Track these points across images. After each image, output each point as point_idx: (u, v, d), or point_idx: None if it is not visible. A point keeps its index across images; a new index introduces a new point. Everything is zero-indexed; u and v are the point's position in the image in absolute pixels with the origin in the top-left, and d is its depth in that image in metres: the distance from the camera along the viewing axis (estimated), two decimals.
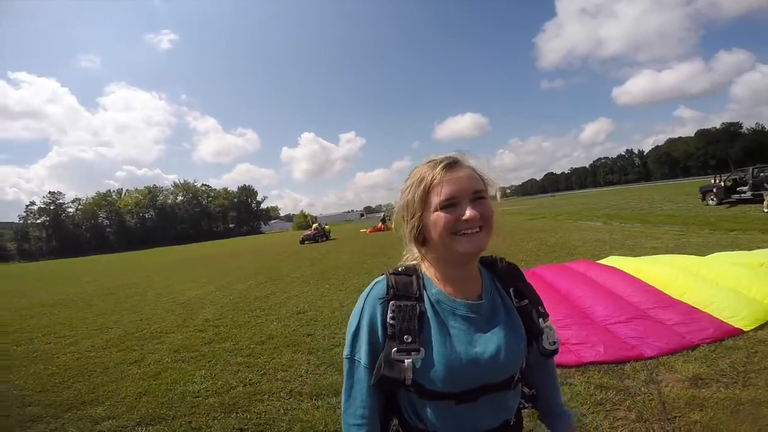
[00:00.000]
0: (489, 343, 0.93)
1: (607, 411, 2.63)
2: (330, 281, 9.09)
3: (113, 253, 65.44)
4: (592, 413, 2.62)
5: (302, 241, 25.28)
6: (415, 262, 1.03)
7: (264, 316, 6.28)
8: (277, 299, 7.62)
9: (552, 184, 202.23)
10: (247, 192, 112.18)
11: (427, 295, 0.96)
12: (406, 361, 0.87)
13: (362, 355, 0.93)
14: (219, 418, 3.11)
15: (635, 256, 6.64)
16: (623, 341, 3.41)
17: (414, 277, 0.98)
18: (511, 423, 0.98)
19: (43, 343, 5.92)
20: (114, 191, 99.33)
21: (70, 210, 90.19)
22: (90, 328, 6.66)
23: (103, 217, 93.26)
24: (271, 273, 11.87)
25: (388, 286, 0.95)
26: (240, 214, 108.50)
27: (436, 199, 0.91)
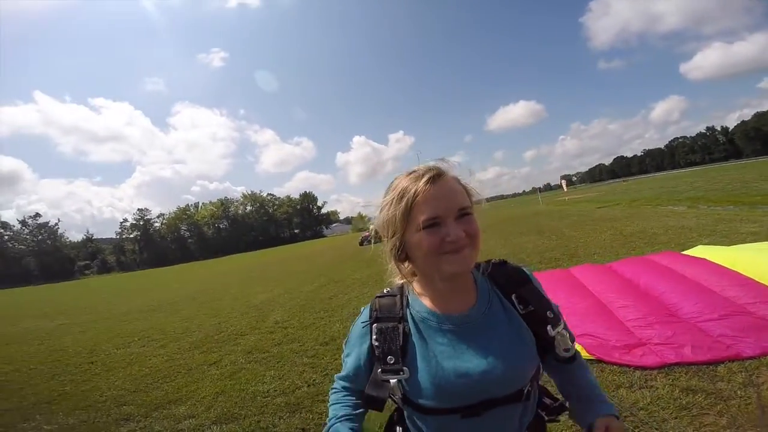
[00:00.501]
0: (481, 356, 0.88)
1: (693, 416, 2.36)
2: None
3: (194, 261, 71.51)
4: (675, 418, 2.37)
5: (361, 243, 25.62)
6: (402, 280, 1.01)
7: (327, 318, 6.48)
8: (339, 301, 7.82)
9: (623, 168, 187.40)
10: (308, 198, 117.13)
11: (411, 313, 0.95)
12: (391, 381, 0.88)
13: (351, 356, 1.00)
14: (284, 417, 3.26)
15: (729, 244, 5.89)
16: (716, 340, 3.02)
17: (398, 297, 0.97)
18: None
19: (139, 346, 6.60)
20: (191, 205, 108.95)
21: (156, 224, 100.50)
22: (177, 331, 7.32)
23: (184, 229, 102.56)
24: (333, 275, 12.23)
25: (371, 309, 0.97)
26: (303, 219, 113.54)
27: (419, 218, 0.85)
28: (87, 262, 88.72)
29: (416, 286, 0.98)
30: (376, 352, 0.92)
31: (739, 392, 2.50)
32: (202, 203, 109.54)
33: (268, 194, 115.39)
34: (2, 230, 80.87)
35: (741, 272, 3.99)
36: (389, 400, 0.93)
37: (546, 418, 0.98)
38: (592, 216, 15.86)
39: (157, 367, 5.21)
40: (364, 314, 0.99)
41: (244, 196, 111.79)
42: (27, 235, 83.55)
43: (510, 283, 0.96)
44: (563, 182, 43.33)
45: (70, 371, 5.49)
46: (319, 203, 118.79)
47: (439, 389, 0.86)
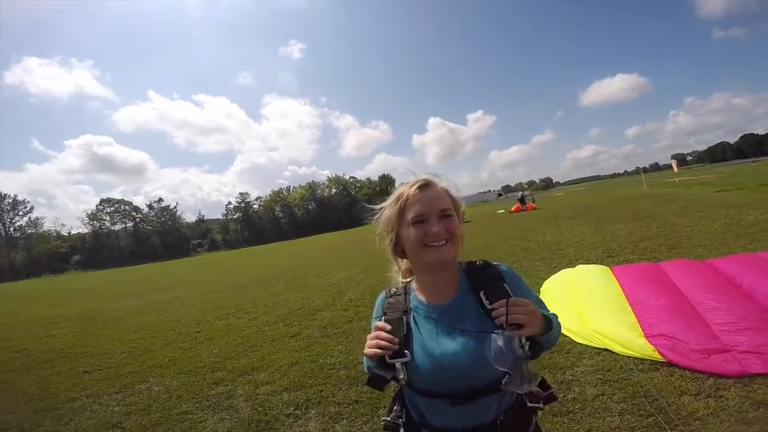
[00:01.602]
0: (450, 345, 1.02)
1: (751, 431, 2.12)
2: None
3: (287, 240, 77.62)
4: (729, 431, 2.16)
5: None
6: (405, 279, 1.20)
7: None
8: None
9: (753, 146, 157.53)
10: (386, 181, 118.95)
11: (412, 306, 1.12)
12: (396, 363, 1.01)
13: None
14: (343, 389, 3.60)
15: None
16: None
17: (402, 295, 1.15)
18: (499, 421, 1.01)
19: (236, 318, 7.50)
20: (284, 189, 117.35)
21: (255, 206, 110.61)
22: (267, 305, 8.18)
23: (278, 211, 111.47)
24: None
25: (382, 307, 1.16)
26: (382, 201, 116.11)
27: (409, 216, 1.07)
28: (199, 240, 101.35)
29: (414, 283, 1.17)
30: None
31: None
32: (293, 186, 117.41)
33: (351, 177, 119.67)
34: (135, 213, 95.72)
35: None
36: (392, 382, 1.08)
37: (528, 404, 1.05)
38: (706, 201, 13.82)
39: (248, 337, 5.88)
40: (376, 310, 1.19)
41: (329, 179, 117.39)
42: (153, 217, 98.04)
43: (482, 280, 1.08)
44: (674, 162, 38.75)
45: (181, 339, 6.33)
46: (397, 185, 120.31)
47: (426, 370, 1.01)
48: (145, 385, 4.49)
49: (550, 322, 1.02)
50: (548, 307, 1.12)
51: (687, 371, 2.86)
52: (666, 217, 11.36)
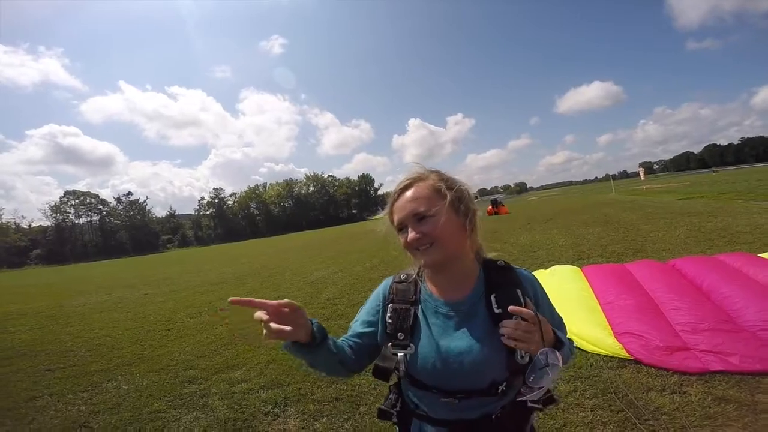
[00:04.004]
0: (457, 343, 1.00)
1: (715, 425, 2.28)
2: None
3: (262, 237, 76.36)
4: (696, 426, 2.30)
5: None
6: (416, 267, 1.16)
7: None
8: None
9: (715, 157, 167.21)
10: (365, 180, 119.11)
11: (420, 298, 1.10)
12: (399, 354, 1.02)
13: (362, 314, 1.17)
14: (322, 386, 3.59)
15: None
16: None
17: (412, 284, 1.12)
18: (494, 417, 0.99)
19: (208, 315, 7.34)
20: (260, 185, 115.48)
21: (229, 202, 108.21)
22: None
23: (254, 207, 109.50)
24: (384, 256, 12.48)
25: (390, 292, 1.13)
26: (361, 200, 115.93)
27: (394, 222, 1.07)
28: (169, 236, 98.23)
29: (426, 271, 1.13)
30: (389, 328, 1.06)
31: None
32: (270, 183, 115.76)
33: (329, 175, 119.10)
34: (101, 206, 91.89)
35: None
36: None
37: (529, 403, 0.98)
38: (670, 208, 14.57)
39: (221, 335, 5.73)
40: (382, 291, 1.15)
41: (307, 177, 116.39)
42: (121, 211, 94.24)
43: (497, 282, 1.04)
44: (641, 170, 40.49)
45: (150, 337, 6.14)
46: (376, 185, 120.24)
47: (427, 365, 1.00)
48: (113, 383, 4.33)
49: (560, 343, 1.01)
50: None
51: (653, 368, 3.01)
52: (633, 222, 11.90)
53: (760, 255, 4.76)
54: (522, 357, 0.95)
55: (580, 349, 3.51)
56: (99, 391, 4.15)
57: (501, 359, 0.97)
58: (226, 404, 3.48)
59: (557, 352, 0.93)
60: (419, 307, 1.07)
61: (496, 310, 0.98)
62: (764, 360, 2.74)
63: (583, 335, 3.58)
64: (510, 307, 0.93)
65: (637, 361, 3.13)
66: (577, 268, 5.27)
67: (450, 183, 1.05)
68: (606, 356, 3.32)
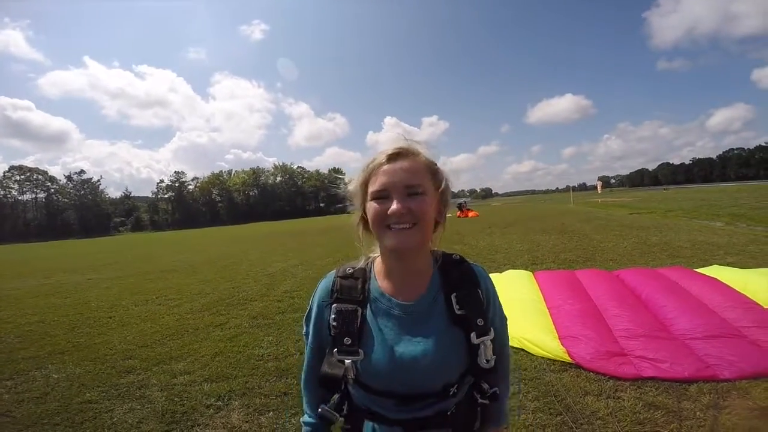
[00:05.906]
0: (416, 344, 0.92)
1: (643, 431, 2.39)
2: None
3: (222, 225, 73.97)
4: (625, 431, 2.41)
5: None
6: (372, 255, 1.05)
7: None
8: None
9: (667, 175, 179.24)
10: (336, 174, 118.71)
11: (369, 297, 0.98)
12: (346, 361, 0.92)
13: (310, 334, 1.05)
14: (271, 380, 3.49)
15: (757, 265, 5.72)
16: (699, 359, 3.01)
17: (360, 279, 0.99)
18: (449, 413, 0.96)
19: (155, 304, 6.96)
20: (225, 172, 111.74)
21: (190, 187, 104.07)
22: (192, 293, 7.70)
23: (216, 194, 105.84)
24: (349, 251, 12.39)
25: (333, 289, 0.99)
26: (330, 194, 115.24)
27: (371, 188, 0.92)
28: (122, 218, 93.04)
29: (377, 265, 1.02)
30: (333, 332, 0.95)
31: (699, 413, 2.50)
32: (235, 171, 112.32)
33: (298, 167, 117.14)
34: (49, 183, 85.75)
35: (749, 296, 3.87)
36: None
37: (479, 400, 0.97)
38: (621, 221, 15.39)
39: (167, 325, 5.51)
40: (325, 288, 1.01)
41: (275, 167, 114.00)
42: (71, 189, 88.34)
43: (455, 281, 0.97)
44: (599, 184, 42.39)
45: (89, 324, 5.81)
46: (347, 180, 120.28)
47: (381, 371, 0.92)
48: (42, 372, 4.03)
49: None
50: None
51: (591, 373, 3.14)
52: (586, 232, 12.48)
53: (696, 270, 5.10)
54: (487, 361, 0.93)
55: (526, 351, 3.62)
56: (25, 379, 3.86)
57: (457, 362, 0.94)
58: (165, 396, 3.31)
59: None
60: (368, 307, 0.96)
61: (458, 312, 0.93)
62: (690, 367, 2.93)
63: (529, 338, 3.69)
64: None
65: (577, 366, 3.26)
66: (530, 273, 5.47)
67: (441, 170, 0.97)
68: (549, 359, 3.43)
